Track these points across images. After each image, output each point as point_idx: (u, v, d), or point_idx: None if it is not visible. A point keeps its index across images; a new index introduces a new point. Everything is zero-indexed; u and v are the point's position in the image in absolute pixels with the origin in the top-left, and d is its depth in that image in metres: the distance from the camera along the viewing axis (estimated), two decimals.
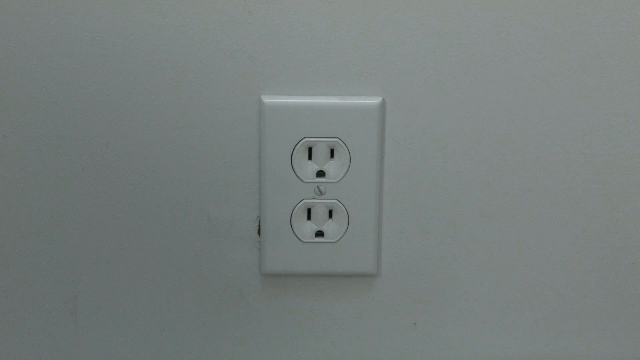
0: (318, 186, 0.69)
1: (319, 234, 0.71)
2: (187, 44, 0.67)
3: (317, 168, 0.69)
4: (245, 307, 0.73)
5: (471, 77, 0.68)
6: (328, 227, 0.70)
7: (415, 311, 0.73)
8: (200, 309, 0.73)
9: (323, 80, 0.68)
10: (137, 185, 0.70)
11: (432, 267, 0.72)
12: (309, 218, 0.70)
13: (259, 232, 0.71)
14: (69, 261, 0.72)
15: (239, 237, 0.71)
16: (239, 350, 0.74)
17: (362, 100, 0.68)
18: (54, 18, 0.66)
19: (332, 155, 0.69)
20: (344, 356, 0.74)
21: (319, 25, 0.67)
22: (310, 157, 0.69)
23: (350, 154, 0.68)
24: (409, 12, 0.67)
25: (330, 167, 0.69)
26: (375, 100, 0.68)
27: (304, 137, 0.68)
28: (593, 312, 0.73)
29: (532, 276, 0.72)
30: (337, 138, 0.68)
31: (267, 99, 0.68)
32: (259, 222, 0.71)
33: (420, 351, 0.74)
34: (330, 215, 0.70)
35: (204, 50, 0.67)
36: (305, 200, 0.70)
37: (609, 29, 0.67)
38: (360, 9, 0.67)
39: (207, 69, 0.68)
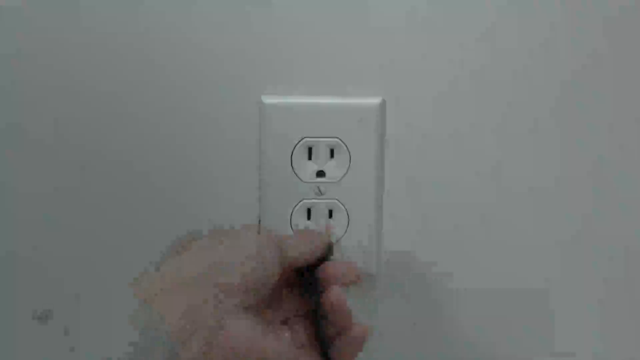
0: (318, 186, 0.69)
1: None
2: (187, 44, 0.67)
3: (317, 168, 0.69)
4: None
5: (471, 77, 0.68)
6: None
7: (415, 311, 0.73)
8: None
9: (323, 80, 0.68)
10: (136, 185, 0.70)
11: (432, 267, 0.72)
12: (309, 218, 0.70)
13: (259, 232, 0.71)
14: (69, 261, 0.72)
15: None
16: None
17: (362, 100, 0.68)
18: (54, 18, 0.67)
19: (332, 155, 0.69)
20: None
21: (319, 25, 0.67)
22: (310, 157, 0.69)
23: (350, 154, 0.69)
24: (409, 12, 0.67)
25: (330, 167, 0.69)
26: (375, 100, 0.68)
27: (304, 137, 0.68)
28: (593, 312, 0.73)
29: (532, 276, 0.72)
30: (337, 138, 0.68)
31: (267, 99, 0.68)
32: (259, 222, 0.70)
33: (420, 351, 0.74)
34: (331, 215, 0.70)
35: (204, 50, 0.67)
36: (305, 200, 0.70)
37: (609, 29, 0.67)
38: (360, 8, 0.67)
39: (207, 69, 0.68)
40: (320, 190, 0.69)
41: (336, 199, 0.69)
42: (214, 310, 0.54)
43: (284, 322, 0.60)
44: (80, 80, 0.68)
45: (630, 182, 0.70)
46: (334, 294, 0.58)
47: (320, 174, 0.69)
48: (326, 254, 0.60)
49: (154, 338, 0.50)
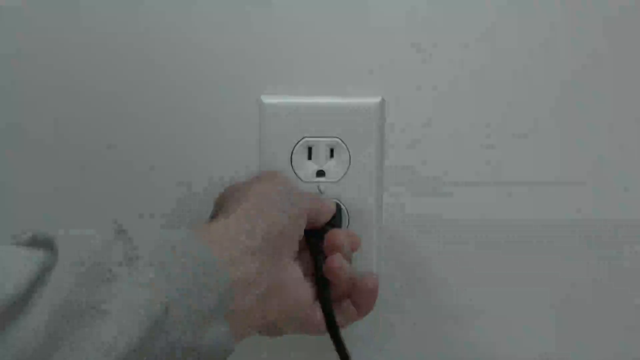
0: (318, 186, 0.69)
1: None
2: (187, 44, 0.67)
3: (317, 168, 0.69)
4: None
5: (471, 77, 0.68)
6: None
7: (415, 311, 0.73)
8: None
9: (323, 80, 0.68)
10: (136, 186, 0.70)
11: (432, 267, 0.72)
12: None
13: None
14: None
15: None
16: (239, 350, 0.74)
17: (362, 100, 0.68)
18: (54, 18, 0.66)
19: (332, 155, 0.69)
20: None
21: (319, 25, 0.67)
22: (310, 157, 0.69)
23: (350, 154, 0.68)
24: (409, 12, 0.67)
25: (330, 167, 0.69)
26: (375, 100, 0.68)
27: (304, 137, 0.68)
28: (595, 313, 0.73)
29: (534, 276, 0.72)
30: (337, 138, 0.68)
31: (267, 99, 0.68)
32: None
33: (420, 351, 0.74)
34: None
35: (204, 50, 0.67)
36: None
37: (609, 29, 0.67)
38: (360, 8, 0.67)
39: (207, 69, 0.68)
40: (320, 190, 0.69)
41: (336, 199, 0.69)
42: (273, 260, 0.57)
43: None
44: (80, 80, 0.68)
45: (630, 182, 0.70)
46: (335, 261, 0.62)
47: (320, 173, 0.69)
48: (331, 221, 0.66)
49: (209, 286, 0.51)
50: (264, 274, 0.56)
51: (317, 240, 0.64)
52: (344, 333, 0.65)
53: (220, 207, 0.60)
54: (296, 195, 0.62)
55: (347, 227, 0.69)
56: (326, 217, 0.65)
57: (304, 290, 0.61)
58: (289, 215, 0.59)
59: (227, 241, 0.54)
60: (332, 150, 0.69)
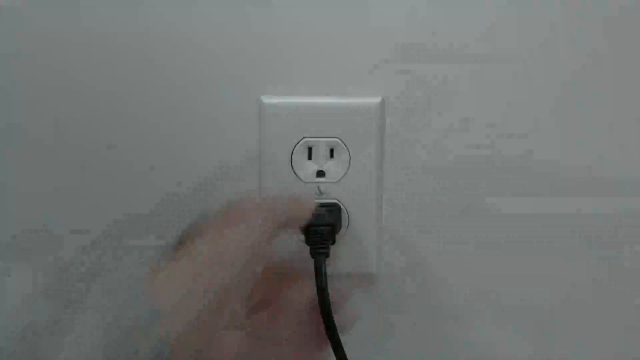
0: (318, 186, 0.69)
1: None
2: (187, 44, 0.67)
3: (317, 168, 0.69)
4: None
5: (471, 77, 0.68)
6: None
7: (415, 311, 0.73)
8: None
9: (323, 80, 0.68)
10: (136, 186, 0.70)
11: (432, 267, 0.72)
12: None
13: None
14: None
15: None
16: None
17: (362, 100, 0.68)
18: (54, 18, 0.67)
19: (332, 155, 0.69)
20: None
21: (319, 25, 0.67)
22: (310, 157, 0.69)
23: (350, 154, 0.69)
24: (409, 12, 0.67)
25: (330, 167, 0.69)
26: (375, 100, 0.68)
27: (304, 137, 0.68)
28: (595, 313, 0.73)
29: (534, 276, 0.72)
30: (337, 138, 0.68)
31: (267, 99, 0.68)
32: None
33: (420, 351, 0.74)
34: None
35: (204, 50, 0.67)
36: None
37: (609, 29, 0.67)
38: (360, 8, 0.67)
39: (207, 69, 0.68)
40: (320, 190, 0.69)
41: (336, 199, 0.69)
42: (210, 319, 0.54)
43: (265, 306, 0.62)
44: (80, 80, 0.68)
45: (630, 182, 0.70)
46: None
47: (320, 174, 0.69)
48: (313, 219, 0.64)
49: (149, 336, 0.50)
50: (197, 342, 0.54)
51: (317, 240, 0.64)
52: (342, 330, 0.65)
53: (187, 238, 0.58)
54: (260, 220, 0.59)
55: (347, 227, 0.69)
56: (303, 215, 0.62)
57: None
58: (239, 270, 0.56)
59: (167, 293, 0.53)
60: (332, 150, 0.69)
